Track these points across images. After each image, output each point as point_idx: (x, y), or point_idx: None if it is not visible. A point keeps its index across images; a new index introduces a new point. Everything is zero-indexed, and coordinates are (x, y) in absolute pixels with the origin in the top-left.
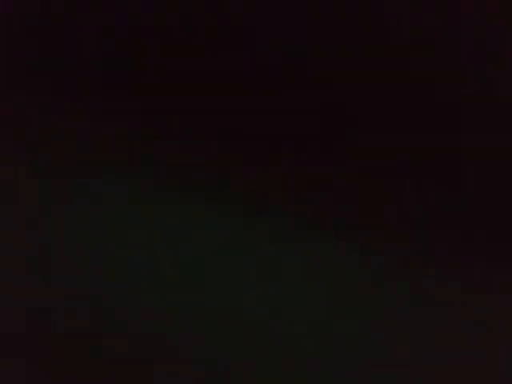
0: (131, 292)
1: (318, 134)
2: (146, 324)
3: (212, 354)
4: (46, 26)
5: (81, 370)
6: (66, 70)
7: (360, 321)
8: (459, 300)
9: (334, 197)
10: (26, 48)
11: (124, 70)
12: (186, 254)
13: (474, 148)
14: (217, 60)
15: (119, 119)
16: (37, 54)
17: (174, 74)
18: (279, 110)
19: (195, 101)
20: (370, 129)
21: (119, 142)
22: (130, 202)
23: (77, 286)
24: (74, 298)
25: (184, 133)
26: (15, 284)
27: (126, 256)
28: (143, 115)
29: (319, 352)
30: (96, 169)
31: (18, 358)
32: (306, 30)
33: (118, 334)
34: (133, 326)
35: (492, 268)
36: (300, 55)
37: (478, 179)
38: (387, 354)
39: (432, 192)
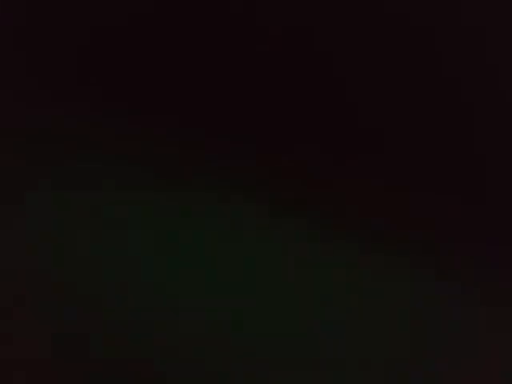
0: (133, 293)
1: (328, 135)
2: (148, 324)
3: (213, 355)
4: (46, 26)
5: (80, 369)
6: (66, 70)
7: (360, 320)
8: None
9: (338, 199)
10: (25, 48)
11: (124, 70)
12: (186, 253)
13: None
14: (218, 59)
15: (119, 119)
16: (36, 53)
17: (176, 71)
18: (284, 109)
19: (194, 100)
20: (380, 130)
21: (119, 142)
22: (131, 201)
23: (76, 286)
24: (75, 298)
25: (184, 132)
26: (17, 284)
27: (125, 256)
28: (144, 115)
29: (318, 352)
30: (96, 168)
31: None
32: (307, 27)
33: (120, 334)
34: (135, 327)
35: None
36: (301, 53)
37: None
38: (387, 354)
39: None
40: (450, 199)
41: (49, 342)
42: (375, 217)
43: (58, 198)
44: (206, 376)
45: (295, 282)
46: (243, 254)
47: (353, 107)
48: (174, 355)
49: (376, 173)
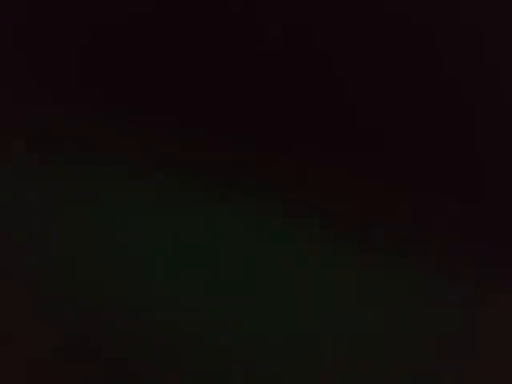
0: (133, 293)
1: (328, 137)
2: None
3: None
4: (46, 26)
5: (78, 369)
6: (66, 70)
7: (360, 320)
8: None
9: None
10: (25, 48)
11: (124, 70)
12: (186, 252)
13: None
14: (218, 59)
15: (119, 119)
16: (36, 53)
17: (176, 71)
18: (289, 109)
19: (194, 100)
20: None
21: (119, 142)
22: (131, 201)
23: (76, 287)
24: (74, 298)
25: (184, 132)
26: (17, 284)
27: (126, 256)
28: (144, 115)
29: (318, 352)
30: (96, 168)
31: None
32: (307, 27)
33: (124, 334)
34: (140, 328)
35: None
36: (303, 54)
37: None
38: (387, 354)
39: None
40: (449, 199)
41: (49, 342)
42: (375, 217)
43: (57, 198)
44: (206, 376)
45: (295, 282)
46: (243, 254)
47: (353, 107)
48: (174, 355)
49: (376, 173)
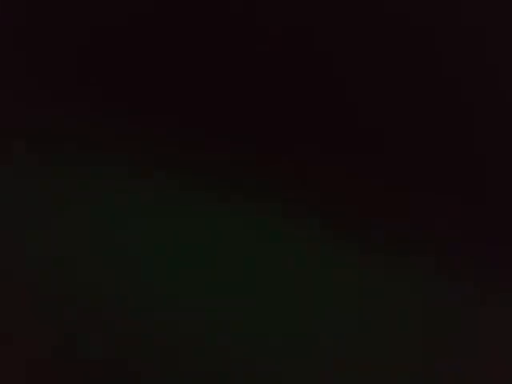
0: (133, 293)
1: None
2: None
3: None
4: (46, 26)
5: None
6: (66, 70)
7: (360, 320)
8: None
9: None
10: (25, 48)
11: (124, 70)
12: (186, 252)
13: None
14: (218, 59)
15: (119, 119)
16: (36, 53)
17: (176, 71)
18: (291, 109)
19: (194, 100)
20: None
21: (119, 142)
22: (131, 201)
23: (76, 287)
24: (74, 298)
25: (184, 132)
26: (17, 284)
27: (126, 256)
28: (144, 115)
29: (318, 352)
30: (96, 168)
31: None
32: (307, 27)
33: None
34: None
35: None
36: (305, 54)
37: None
38: (387, 354)
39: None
40: (449, 199)
41: (49, 342)
42: (375, 217)
43: (57, 198)
44: (206, 376)
45: (295, 282)
46: (243, 254)
47: (353, 107)
48: (174, 355)
49: (376, 173)
